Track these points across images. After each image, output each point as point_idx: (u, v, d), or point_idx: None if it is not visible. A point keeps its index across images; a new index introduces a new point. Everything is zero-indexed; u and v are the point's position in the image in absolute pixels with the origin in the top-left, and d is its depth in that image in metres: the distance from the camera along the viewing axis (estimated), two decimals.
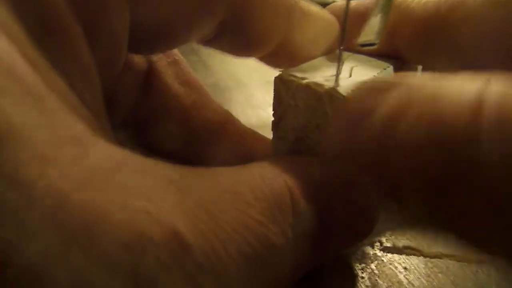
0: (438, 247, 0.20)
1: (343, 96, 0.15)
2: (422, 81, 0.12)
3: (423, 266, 0.19)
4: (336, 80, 0.16)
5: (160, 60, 0.20)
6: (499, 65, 0.18)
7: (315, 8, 0.19)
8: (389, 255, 0.20)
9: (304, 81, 0.16)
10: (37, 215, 0.08)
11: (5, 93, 0.09)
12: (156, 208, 0.09)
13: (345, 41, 0.21)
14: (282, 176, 0.13)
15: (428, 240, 0.20)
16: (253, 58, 0.20)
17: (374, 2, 0.19)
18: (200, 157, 0.21)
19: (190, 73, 0.21)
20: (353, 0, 0.19)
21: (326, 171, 0.14)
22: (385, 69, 0.18)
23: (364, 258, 0.19)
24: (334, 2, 0.22)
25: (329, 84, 0.16)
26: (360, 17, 0.19)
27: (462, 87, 0.11)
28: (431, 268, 0.19)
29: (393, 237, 0.21)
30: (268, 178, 0.13)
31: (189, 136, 0.20)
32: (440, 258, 0.19)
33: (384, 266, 0.19)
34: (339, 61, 0.16)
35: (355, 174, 0.14)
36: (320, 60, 0.19)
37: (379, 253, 0.20)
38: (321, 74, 0.16)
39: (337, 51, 0.17)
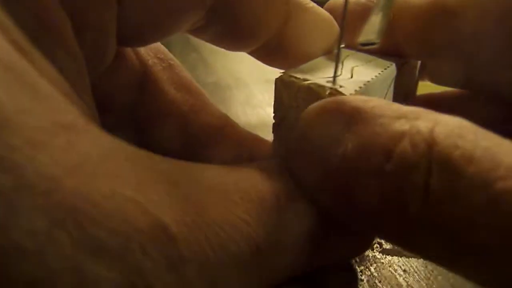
0: None
1: None
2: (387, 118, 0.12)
3: (423, 268, 0.19)
4: (334, 80, 0.16)
5: (155, 65, 0.20)
6: (499, 55, 0.18)
7: (312, 4, 0.19)
8: (389, 257, 0.19)
9: (306, 83, 0.16)
10: (27, 199, 0.08)
11: None
12: (144, 198, 0.10)
13: (346, 39, 0.21)
14: (270, 180, 0.13)
15: None
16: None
17: (375, 1, 0.19)
18: (200, 161, 0.21)
19: (187, 77, 0.21)
20: None
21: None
22: (386, 68, 0.18)
23: (363, 260, 0.19)
24: None
25: (331, 85, 0.15)
26: (361, 15, 0.19)
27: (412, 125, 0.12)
28: (431, 270, 0.19)
29: None
30: (256, 181, 0.13)
31: (187, 140, 0.20)
32: None
33: (383, 269, 0.19)
34: (337, 61, 0.16)
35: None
36: (320, 60, 0.19)
37: (379, 255, 0.19)
38: (322, 75, 0.16)
39: (335, 51, 0.16)
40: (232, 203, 0.12)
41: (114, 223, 0.09)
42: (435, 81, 0.25)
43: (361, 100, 0.13)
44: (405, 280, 0.18)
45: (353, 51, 0.20)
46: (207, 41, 0.19)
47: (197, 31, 0.18)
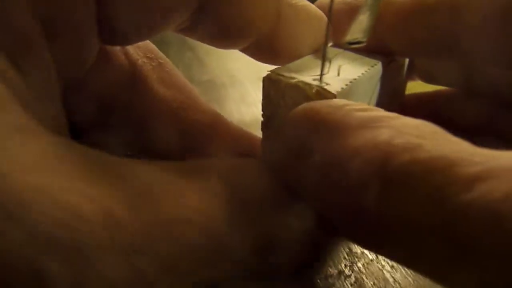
0: None
1: (334, 95, 0.15)
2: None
3: None
4: (321, 78, 0.16)
5: (144, 65, 0.20)
6: (481, 48, 0.18)
7: (304, 1, 0.19)
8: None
9: (293, 81, 0.16)
10: None
11: None
12: (95, 191, 0.10)
13: (335, 38, 0.21)
14: (239, 175, 0.14)
15: None
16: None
17: (362, 0, 0.19)
18: (194, 158, 0.21)
19: (177, 75, 0.21)
20: None
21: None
22: (372, 66, 0.18)
23: (351, 256, 0.19)
24: None
25: (318, 83, 0.15)
26: (348, 14, 0.19)
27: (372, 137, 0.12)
28: None
29: None
30: (216, 178, 0.13)
31: (179, 138, 0.21)
32: None
33: (371, 265, 0.19)
34: (323, 59, 0.16)
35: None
36: (308, 58, 0.19)
37: (367, 252, 0.20)
38: (309, 73, 0.16)
39: (323, 49, 0.17)
40: (187, 197, 0.12)
41: (64, 215, 0.09)
42: (424, 79, 0.26)
43: (332, 108, 0.13)
44: (392, 276, 0.19)
45: (341, 50, 0.20)
46: (197, 39, 0.19)
47: (186, 31, 0.18)
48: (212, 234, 0.12)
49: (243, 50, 0.20)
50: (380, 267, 0.19)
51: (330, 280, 0.18)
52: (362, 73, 0.17)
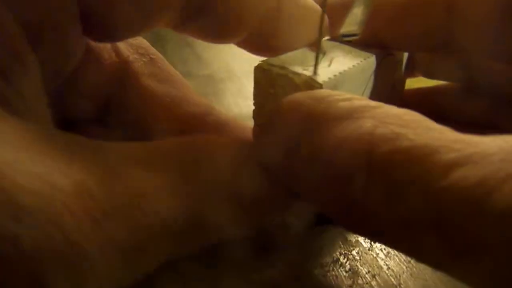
0: None
1: (320, 85, 0.15)
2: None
3: None
4: (315, 69, 0.16)
5: (136, 61, 0.20)
6: (478, 42, 0.19)
7: None
8: (371, 242, 0.20)
9: (283, 71, 0.16)
10: None
11: None
12: (67, 166, 0.10)
13: (330, 31, 0.21)
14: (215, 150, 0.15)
15: None
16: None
17: None
18: None
19: (169, 70, 0.21)
20: None
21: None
22: (365, 59, 0.19)
23: (346, 245, 0.20)
24: None
25: (307, 73, 0.16)
26: (343, 7, 0.20)
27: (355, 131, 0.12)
28: None
29: None
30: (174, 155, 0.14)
31: (173, 132, 0.21)
32: None
33: (365, 253, 0.19)
34: (318, 51, 0.16)
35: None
36: (301, 50, 0.19)
37: (361, 240, 0.20)
38: (300, 64, 0.17)
39: (317, 41, 0.17)
40: (151, 172, 0.12)
41: (37, 185, 0.09)
42: (424, 74, 0.26)
43: (315, 99, 0.14)
44: (386, 263, 0.19)
45: (336, 43, 0.20)
46: (189, 36, 0.19)
47: (176, 28, 0.18)
48: (173, 207, 0.12)
49: (239, 44, 0.20)
50: (375, 255, 0.19)
51: (325, 268, 0.19)
52: (353, 65, 0.18)
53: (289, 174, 0.14)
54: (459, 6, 0.18)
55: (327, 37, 0.21)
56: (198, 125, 0.21)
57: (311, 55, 0.18)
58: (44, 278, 0.09)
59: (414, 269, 0.19)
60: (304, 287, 0.18)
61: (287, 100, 0.14)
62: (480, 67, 0.23)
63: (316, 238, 0.20)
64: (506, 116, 0.22)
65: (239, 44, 0.20)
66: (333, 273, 0.18)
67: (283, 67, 0.16)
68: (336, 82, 0.16)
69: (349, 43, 0.20)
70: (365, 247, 0.20)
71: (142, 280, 0.17)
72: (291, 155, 0.13)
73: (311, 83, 0.15)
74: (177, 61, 0.22)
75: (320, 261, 0.19)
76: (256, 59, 0.21)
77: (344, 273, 0.18)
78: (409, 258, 0.19)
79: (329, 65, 0.17)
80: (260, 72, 0.17)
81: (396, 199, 0.11)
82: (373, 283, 0.18)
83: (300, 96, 0.14)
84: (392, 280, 0.18)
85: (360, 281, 0.18)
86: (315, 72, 0.16)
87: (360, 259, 0.19)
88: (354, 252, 0.19)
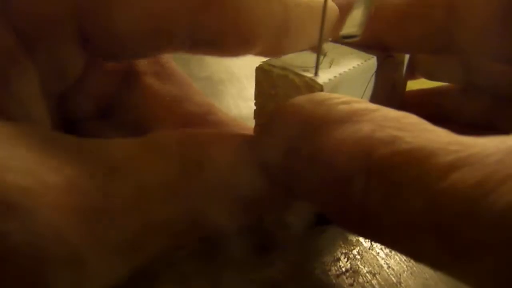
0: None
1: (321, 86, 0.16)
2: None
3: None
4: (316, 71, 0.16)
5: (139, 60, 0.20)
6: (479, 44, 0.19)
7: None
8: (372, 241, 0.20)
9: (283, 72, 0.16)
10: None
11: None
12: (58, 163, 0.11)
13: (330, 32, 0.21)
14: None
15: None
16: None
17: None
18: None
19: (172, 69, 0.21)
20: None
21: None
22: (366, 60, 0.19)
23: (347, 244, 0.20)
24: None
25: (308, 74, 0.16)
26: (343, 8, 0.20)
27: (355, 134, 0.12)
28: None
29: None
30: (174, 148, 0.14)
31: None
32: None
33: (365, 252, 0.20)
34: (318, 52, 0.16)
35: None
36: (302, 51, 0.19)
37: (362, 239, 0.20)
38: (301, 65, 0.17)
39: (318, 42, 0.17)
40: (146, 168, 0.13)
41: (27, 183, 0.10)
42: (425, 76, 0.26)
43: (315, 103, 0.14)
44: (386, 262, 0.19)
45: (338, 45, 0.21)
46: (202, 54, 0.19)
47: (188, 52, 0.18)
48: (173, 206, 0.13)
49: None
50: (375, 254, 0.20)
51: (325, 267, 0.19)
52: (354, 66, 0.18)
53: (289, 174, 0.14)
54: (459, 8, 0.18)
55: (330, 39, 0.21)
56: (199, 124, 0.21)
57: (312, 56, 0.18)
58: (35, 276, 0.09)
59: (415, 268, 0.19)
60: (304, 286, 0.18)
61: (288, 103, 0.14)
62: (480, 69, 0.23)
63: (316, 238, 0.20)
64: (506, 117, 0.22)
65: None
66: (334, 272, 0.19)
67: (284, 68, 0.16)
68: (337, 83, 0.16)
69: (349, 44, 0.20)
70: (366, 246, 0.20)
71: (142, 280, 0.18)
72: (291, 157, 0.14)
73: (311, 84, 0.16)
74: (177, 62, 0.22)
75: (321, 260, 0.19)
76: (256, 61, 0.22)
77: (345, 272, 0.19)
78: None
79: (330, 66, 0.17)
80: (261, 73, 0.17)
81: (395, 200, 0.11)
82: (374, 282, 0.18)
83: (301, 99, 0.14)
84: (393, 279, 0.18)
85: (360, 280, 0.18)
86: (316, 73, 0.16)
87: (360, 258, 0.19)
88: (354, 252, 0.20)
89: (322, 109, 0.13)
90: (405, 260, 0.19)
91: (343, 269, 0.19)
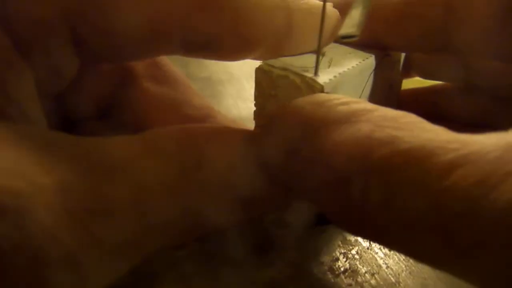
0: None
1: (321, 86, 0.16)
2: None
3: None
4: (316, 71, 0.16)
5: (136, 64, 0.20)
6: (476, 43, 0.19)
7: (311, 3, 0.18)
8: (371, 241, 0.20)
9: (283, 72, 0.16)
10: None
11: None
12: (49, 163, 0.11)
13: (331, 37, 0.21)
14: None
15: None
16: None
17: None
18: None
19: (171, 72, 0.21)
20: None
21: None
22: (364, 60, 0.19)
23: (346, 244, 0.20)
24: None
25: (308, 74, 0.16)
26: (342, 8, 0.20)
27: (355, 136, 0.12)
28: None
29: None
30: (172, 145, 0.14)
31: None
32: None
33: (364, 252, 0.20)
34: (318, 52, 0.16)
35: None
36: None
37: (360, 239, 0.20)
38: (301, 65, 0.17)
39: (318, 43, 0.17)
40: (142, 166, 0.13)
41: (17, 184, 0.10)
42: (421, 74, 0.26)
43: (315, 104, 0.14)
44: (385, 262, 0.19)
45: (336, 44, 0.21)
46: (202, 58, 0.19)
47: (184, 55, 0.18)
48: (172, 206, 0.13)
49: None
50: (374, 254, 0.20)
51: (325, 267, 0.19)
52: (353, 66, 0.18)
53: (289, 175, 0.14)
54: (458, 7, 0.18)
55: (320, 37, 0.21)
56: None
57: (310, 57, 0.18)
58: (31, 277, 0.09)
59: (413, 268, 0.19)
60: (304, 286, 0.18)
61: (289, 105, 0.14)
62: (478, 68, 0.23)
63: (316, 238, 0.20)
64: (503, 116, 0.23)
65: None
66: (333, 272, 0.19)
67: (284, 69, 0.16)
68: (336, 83, 0.16)
69: (347, 43, 0.20)
70: (364, 246, 0.20)
71: (142, 280, 0.18)
72: (292, 157, 0.14)
73: (312, 84, 0.16)
74: (176, 62, 0.22)
75: (320, 260, 0.19)
76: (256, 61, 0.22)
77: (344, 272, 0.19)
78: (408, 257, 0.19)
79: (329, 66, 0.17)
80: (261, 74, 0.17)
81: (395, 201, 0.11)
82: (373, 281, 0.18)
83: (301, 101, 0.14)
84: (391, 278, 0.18)
85: (359, 280, 0.18)
86: (315, 73, 0.16)
87: (359, 258, 0.19)
88: (353, 251, 0.20)
89: (322, 111, 0.13)
90: (403, 259, 0.19)
91: (342, 269, 0.19)
